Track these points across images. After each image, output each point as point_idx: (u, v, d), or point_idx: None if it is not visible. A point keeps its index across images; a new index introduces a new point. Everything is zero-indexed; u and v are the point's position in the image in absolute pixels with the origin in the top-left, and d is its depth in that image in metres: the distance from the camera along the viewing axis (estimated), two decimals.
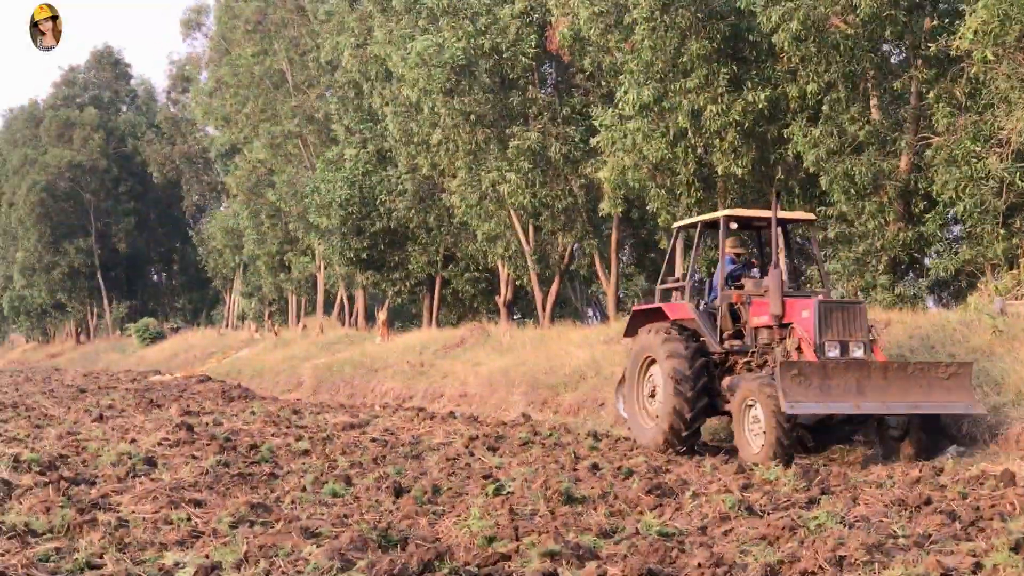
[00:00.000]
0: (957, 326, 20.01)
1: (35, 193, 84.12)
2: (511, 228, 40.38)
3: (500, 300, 45.36)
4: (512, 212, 39.19)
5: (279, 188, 57.84)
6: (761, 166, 30.77)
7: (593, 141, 32.05)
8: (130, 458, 15.10)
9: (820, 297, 17.22)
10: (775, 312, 17.06)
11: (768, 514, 11.11)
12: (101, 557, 8.86)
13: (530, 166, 36.36)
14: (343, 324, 58.14)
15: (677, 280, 19.70)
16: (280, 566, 8.23)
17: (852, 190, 27.92)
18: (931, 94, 26.74)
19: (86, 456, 16.09)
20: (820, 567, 8.72)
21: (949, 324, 20.33)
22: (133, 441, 18.01)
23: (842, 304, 17.28)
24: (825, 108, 27.97)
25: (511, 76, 37.86)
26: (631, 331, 20.31)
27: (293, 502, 12.07)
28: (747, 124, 29.04)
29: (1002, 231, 25.42)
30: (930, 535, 9.99)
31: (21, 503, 11.50)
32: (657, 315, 19.40)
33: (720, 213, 19.29)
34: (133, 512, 11.22)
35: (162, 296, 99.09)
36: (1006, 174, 24.51)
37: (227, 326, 77.49)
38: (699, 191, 30.75)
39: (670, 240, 20.81)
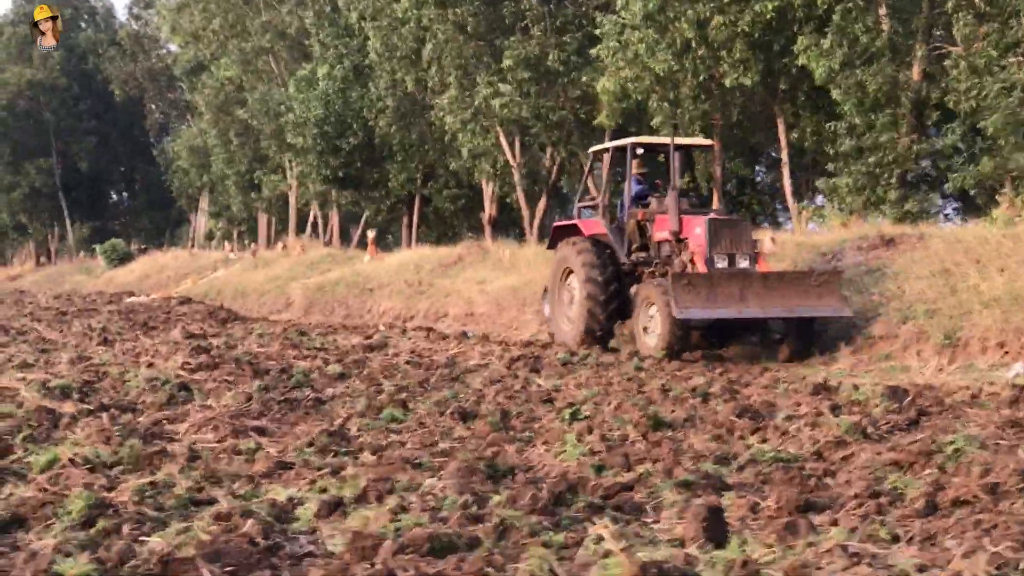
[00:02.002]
0: (1001, 238, 19.41)
1: None
2: (497, 144, 39.55)
3: (484, 218, 44.58)
4: (500, 127, 38.30)
5: (251, 106, 56.72)
6: (768, 78, 30.05)
7: (593, 52, 31.17)
8: (162, 384, 14.31)
9: (711, 215, 19.69)
10: (672, 228, 19.53)
11: (887, 438, 10.46)
12: (200, 492, 8.14)
13: (527, 75, 35.30)
14: (321, 243, 57.20)
15: (593, 199, 22.91)
16: (412, 503, 7.52)
17: (865, 102, 27.29)
18: (949, 3, 26.00)
19: (112, 382, 15.27)
20: (976, 496, 8.07)
21: (993, 236, 19.75)
22: (151, 365, 17.21)
23: (730, 222, 19.98)
24: (836, 17, 27.09)
25: None
26: (553, 244, 22.68)
27: (359, 429, 11.36)
28: (755, 35, 28.26)
29: None
30: None
31: (74, 432, 10.72)
32: (575, 230, 21.76)
33: (628, 140, 21.62)
34: (196, 442, 10.51)
35: (124, 216, 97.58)
36: None
37: (193, 246, 76.24)
38: (704, 104, 30.03)
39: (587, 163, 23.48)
